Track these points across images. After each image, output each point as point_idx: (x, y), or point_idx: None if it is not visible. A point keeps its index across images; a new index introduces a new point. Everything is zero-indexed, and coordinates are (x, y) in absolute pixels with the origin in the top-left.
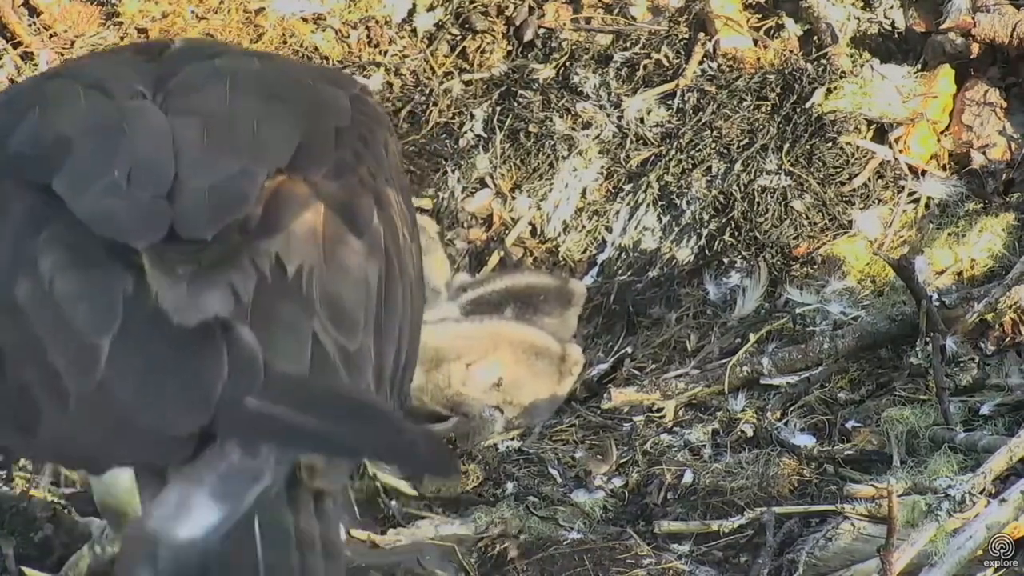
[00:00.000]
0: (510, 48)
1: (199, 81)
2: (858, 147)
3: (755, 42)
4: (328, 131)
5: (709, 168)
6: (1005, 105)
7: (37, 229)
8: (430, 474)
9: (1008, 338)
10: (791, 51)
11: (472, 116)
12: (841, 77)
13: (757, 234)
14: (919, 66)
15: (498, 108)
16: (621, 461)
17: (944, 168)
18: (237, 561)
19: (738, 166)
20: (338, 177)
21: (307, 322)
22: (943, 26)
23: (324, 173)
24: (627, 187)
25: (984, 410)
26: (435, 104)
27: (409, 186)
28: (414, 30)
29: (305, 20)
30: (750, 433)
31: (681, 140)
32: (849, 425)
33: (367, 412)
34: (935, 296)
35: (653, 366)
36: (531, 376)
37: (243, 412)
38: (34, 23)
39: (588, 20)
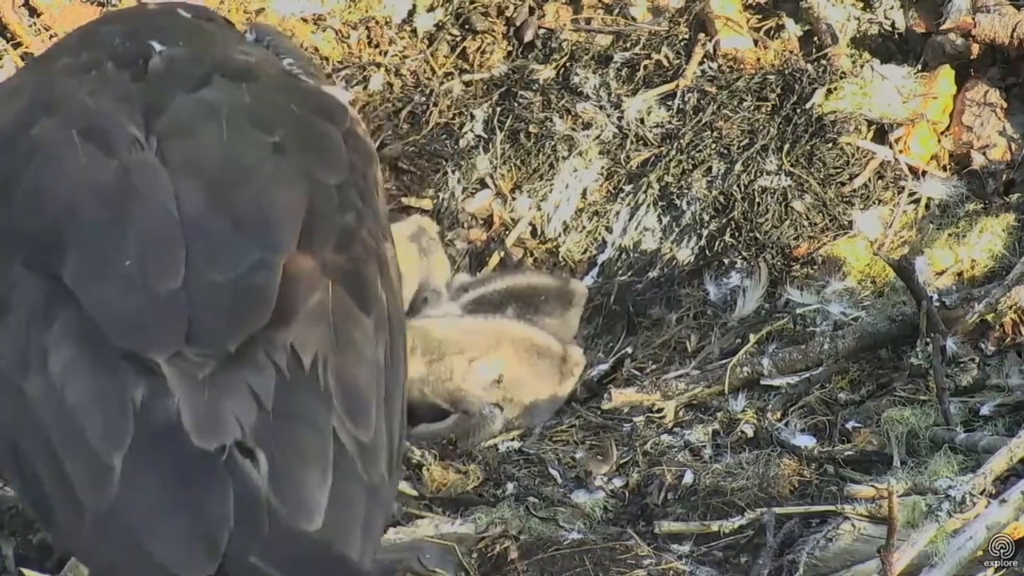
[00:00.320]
0: (510, 48)
1: (191, 122)
2: (858, 147)
3: (755, 42)
4: (330, 191)
5: (709, 169)
6: (1005, 105)
7: (49, 320)
8: None
9: (1008, 338)
10: (791, 51)
11: (472, 116)
12: (841, 77)
13: (757, 234)
14: (919, 67)
15: (498, 109)
16: (621, 462)
17: (944, 168)
18: None
19: (738, 166)
20: (344, 248)
21: (327, 418)
22: (943, 26)
23: (331, 245)
24: (627, 188)
25: (984, 411)
26: (435, 104)
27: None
28: (414, 30)
29: (305, 20)
30: (750, 434)
31: (681, 141)
32: (849, 426)
33: None
34: (935, 296)
35: (653, 367)
36: (532, 375)
37: (246, 569)
38: (34, 23)
39: (588, 21)
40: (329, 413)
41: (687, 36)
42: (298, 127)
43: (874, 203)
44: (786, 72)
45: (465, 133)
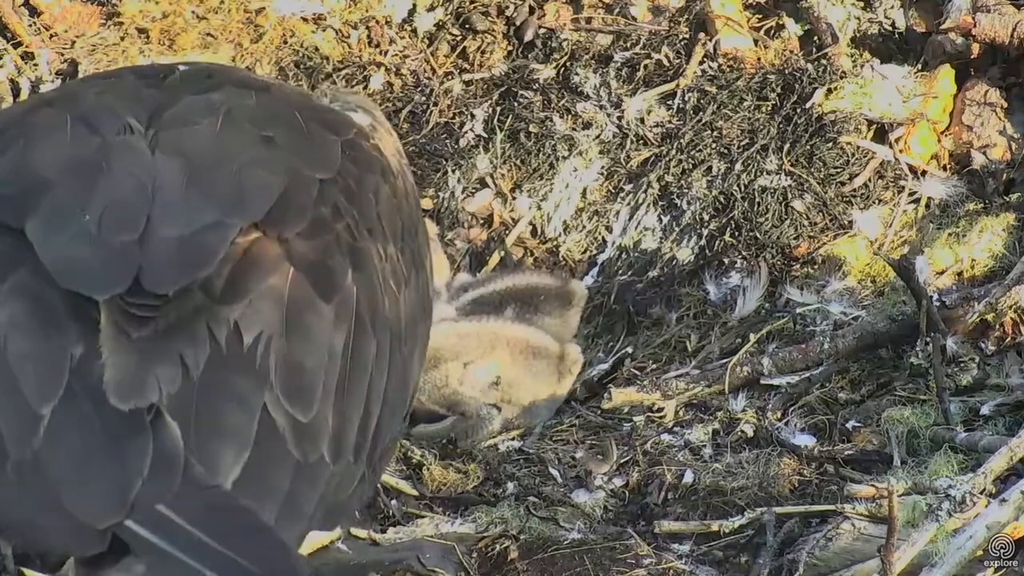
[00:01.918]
0: (510, 48)
1: (192, 115)
2: (858, 147)
3: (755, 42)
4: (311, 183)
5: (709, 168)
6: (1005, 105)
7: (4, 275)
8: None
9: (1008, 338)
10: (791, 51)
11: (472, 116)
12: (841, 77)
13: (757, 234)
14: (919, 66)
15: (498, 108)
16: (621, 461)
17: (944, 168)
18: None
19: (738, 166)
20: (313, 236)
21: (257, 395)
22: (943, 26)
23: (299, 231)
24: (627, 187)
25: (984, 410)
26: (435, 104)
27: (416, 226)
28: (414, 30)
29: (305, 20)
30: (750, 433)
31: (681, 140)
32: (849, 425)
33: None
34: (935, 296)
35: (653, 366)
36: (529, 376)
37: (152, 517)
38: (34, 23)
39: (588, 20)
40: (261, 390)
41: (687, 36)
42: (295, 129)
43: (874, 203)
44: (786, 72)
45: (465, 133)
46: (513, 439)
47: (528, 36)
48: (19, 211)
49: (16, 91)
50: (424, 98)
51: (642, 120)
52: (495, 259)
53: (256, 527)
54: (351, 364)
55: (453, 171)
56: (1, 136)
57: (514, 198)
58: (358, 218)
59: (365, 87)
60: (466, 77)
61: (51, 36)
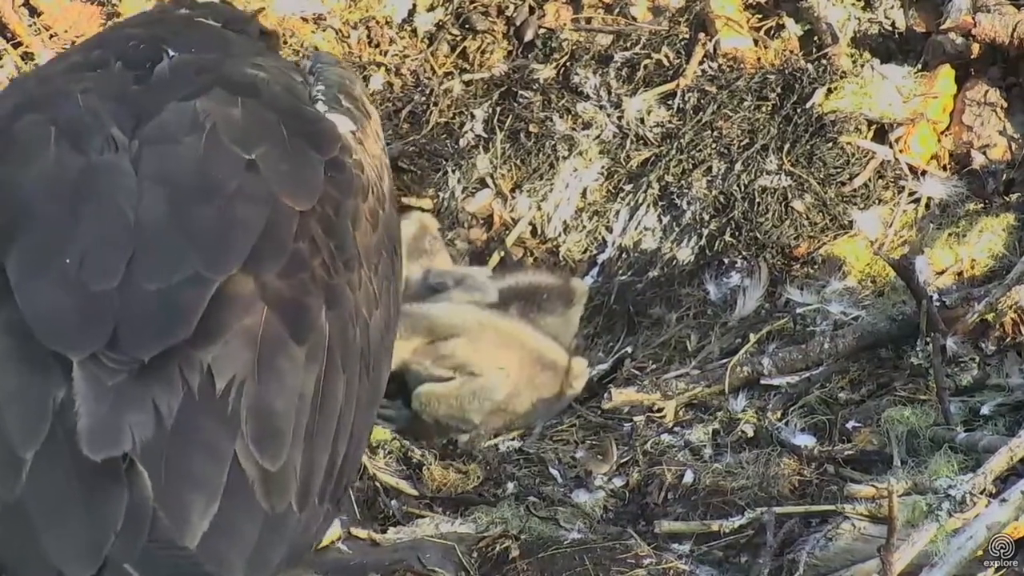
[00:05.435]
0: (510, 48)
1: (174, 131)
2: (858, 147)
3: (755, 42)
4: (291, 216)
5: (709, 168)
6: (1005, 105)
7: None
8: None
9: (1008, 338)
10: (791, 51)
11: (472, 116)
12: (841, 77)
13: (757, 234)
14: (919, 66)
15: (498, 108)
16: (621, 461)
17: (944, 168)
18: None
19: (738, 166)
20: (289, 275)
21: (228, 444)
22: (943, 26)
23: (276, 270)
24: (627, 187)
25: (984, 410)
26: (435, 104)
27: (390, 233)
28: (414, 30)
29: (305, 20)
30: (750, 433)
31: (681, 140)
32: (849, 425)
33: None
34: (935, 296)
35: (653, 366)
36: (530, 388)
37: (121, 575)
38: (34, 23)
39: (588, 20)
40: (232, 439)
41: (687, 36)
42: (279, 149)
43: (874, 203)
44: (786, 72)
45: (465, 133)
46: (513, 439)
47: (528, 36)
48: (2, 240)
49: None
50: (424, 98)
51: (642, 120)
52: (495, 259)
53: None
54: (321, 405)
55: (453, 171)
56: None
57: (514, 198)
58: (334, 251)
59: (365, 87)
60: (466, 77)
61: (51, 36)
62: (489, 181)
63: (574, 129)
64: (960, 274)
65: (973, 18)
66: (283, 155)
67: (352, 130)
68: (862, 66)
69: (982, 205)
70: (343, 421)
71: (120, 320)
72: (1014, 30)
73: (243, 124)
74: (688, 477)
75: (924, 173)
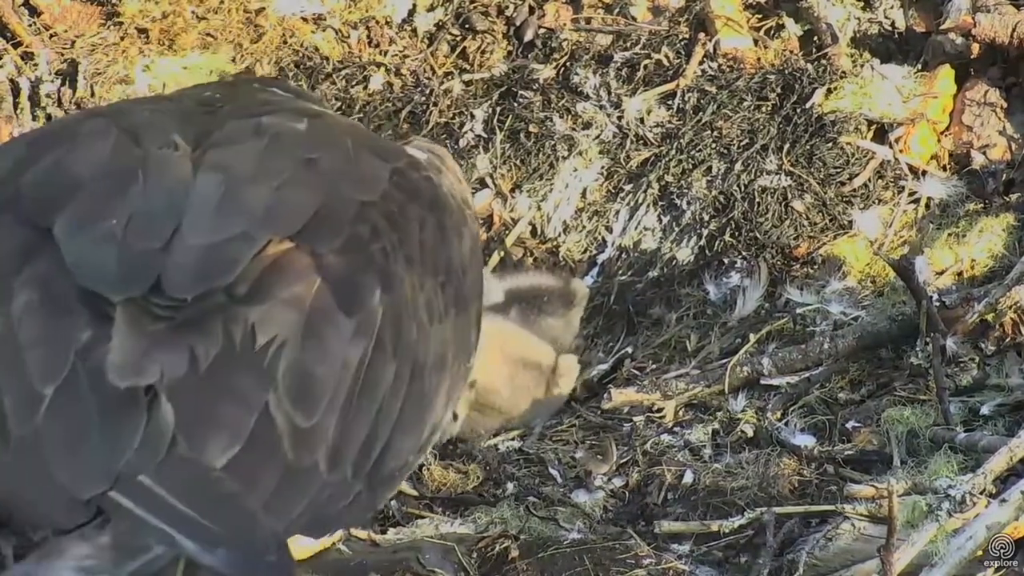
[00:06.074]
0: (510, 48)
1: (239, 136)
2: (858, 147)
3: (755, 42)
4: (350, 202)
5: (709, 168)
6: (1005, 105)
7: (21, 266)
8: None
9: (1008, 338)
10: (791, 51)
11: (472, 116)
12: (841, 77)
13: (757, 234)
14: (919, 66)
15: (498, 108)
16: (621, 461)
17: (944, 168)
18: None
19: (738, 166)
20: (346, 252)
21: (261, 394)
22: (943, 26)
23: (333, 247)
24: (627, 187)
25: (984, 410)
26: (435, 104)
27: (467, 269)
28: (414, 30)
29: (305, 20)
30: (750, 433)
31: (681, 140)
32: (849, 425)
33: (228, 510)
34: (935, 296)
35: (653, 366)
36: (510, 386)
37: (133, 487)
38: (34, 23)
39: (588, 20)
40: (265, 390)
41: (687, 36)
42: (341, 153)
43: (874, 203)
44: (786, 72)
45: (465, 133)
46: (513, 439)
47: (528, 36)
48: (48, 210)
49: (16, 91)
50: (424, 98)
51: (642, 120)
52: (495, 259)
53: (231, 495)
54: (364, 382)
55: None
56: (48, 139)
57: (514, 198)
58: (397, 244)
59: (365, 87)
60: (466, 77)
61: (51, 36)
62: (489, 181)
63: (574, 129)
64: (960, 274)
65: (973, 18)
66: (345, 158)
67: (427, 159)
68: (862, 66)
69: (982, 205)
70: (387, 407)
71: (164, 269)
72: (1014, 30)
73: (307, 135)
74: (688, 477)
75: (924, 173)
